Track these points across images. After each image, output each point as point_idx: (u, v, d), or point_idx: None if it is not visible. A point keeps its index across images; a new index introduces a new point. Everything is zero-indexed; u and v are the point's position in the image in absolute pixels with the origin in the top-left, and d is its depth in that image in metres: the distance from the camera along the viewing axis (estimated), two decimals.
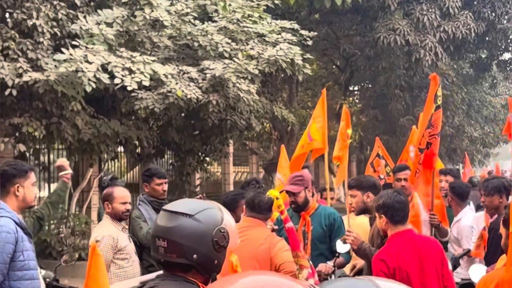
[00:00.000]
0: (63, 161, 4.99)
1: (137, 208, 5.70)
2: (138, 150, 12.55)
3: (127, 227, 5.24)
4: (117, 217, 5.04)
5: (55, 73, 8.46)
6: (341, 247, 4.69)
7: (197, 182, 17.08)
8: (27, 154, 10.91)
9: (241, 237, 4.17)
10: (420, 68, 16.88)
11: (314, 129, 6.59)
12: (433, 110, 5.69)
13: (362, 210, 4.85)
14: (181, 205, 2.28)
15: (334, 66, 24.01)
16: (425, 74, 20.29)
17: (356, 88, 27.74)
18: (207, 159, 14.59)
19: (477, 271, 4.32)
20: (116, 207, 5.03)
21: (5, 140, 8.77)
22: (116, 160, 12.70)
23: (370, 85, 24.85)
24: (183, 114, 11.58)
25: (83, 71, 8.43)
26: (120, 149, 12.69)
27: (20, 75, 8.48)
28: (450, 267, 5.33)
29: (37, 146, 9.81)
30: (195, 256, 2.18)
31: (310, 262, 4.18)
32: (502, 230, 3.52)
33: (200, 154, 13.66)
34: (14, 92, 8.46)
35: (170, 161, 15.37)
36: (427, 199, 5.85)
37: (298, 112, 19.72)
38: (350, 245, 4.61)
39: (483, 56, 22.01)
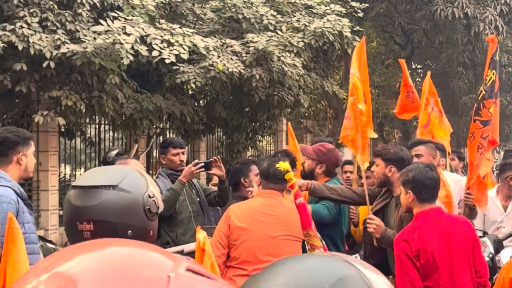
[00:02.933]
0: None
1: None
2: (185, 126, 12.39)
3: None
4: None
5: (93, 45, 8.30)
6: None
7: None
8: (73, 129, 10.88)
9: (266, 215, 3.90)
10: (480, 43, 16.08)
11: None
12: (491, 75, 5.15)
13: (383, 183, 4.46)
14: (96, 176, 1.93)
15: (394, 43, 23.29)
16: (486, 50, 19.43)
17: (418, 66, 26.91)
18: (257, 136, 14.32)
19: (508, 255, 3.90)
20: None
21: (44, 113, 8.69)
22: (162, 136, 12.57)
23: (432, 64, 24.03)
24: (230, 89, 11.35)
25: (120, 43, 8.25)
26: (167, 125, 12.58)
27: (58, 47, 8.37)
28: (491, 250, 4.91)
29: (79, 120, 9.71)
30: (129, 232, 1.86)
31: (323, 242, 3.86)
32: None
33: (248, 131, 13.40)
34: (52, 64, 8.36)
35: (220, 139, 15.19)
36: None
37: None
38: (372, 233, 4.26)
39: None
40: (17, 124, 10.18)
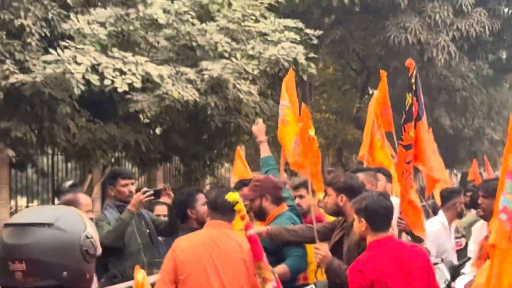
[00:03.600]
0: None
1: (102, 213, 5.34)
2: (141, 155, 12.20)
3: None
4: None
5: (42, 75, 8.13)
6: None
7: (207, 188, 16.70)
8: (24, 161, 10.60)
9: (212, 248, 3.76)
10: (433, 68, 16.31)
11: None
12: (408, 98, 5.10)
13: (335, 213, 4.39)
14: (32, 214, 1.82)
15: (350, 69, 23.52)
16: (443, 76, 19.72)
17: (375, 91, 27.19)
18: (215, 163, 14.19)
19: (463, 282, 3.85)
20: None
21: None
22: (117, 166, 12.36)
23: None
24: (186, 118, 11.24)
25: (71, 72, 8.09)
26: (122, 154, 12.38)
27: (6, 77, 8.17)
28: (447, 276, 4.86)
29: (30, 151, 9.45)
30: (64, 273, 1.75)
31: (275, 274, 3.74)
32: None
33: (206, 158, 13.26)
34: (1, 95, 8.16)
35: (178, 167, 15.03)
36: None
37: (312, 115, 19.27)
38: (318, 264, 4.17)
39: (503, 56, 21.35)
40: None
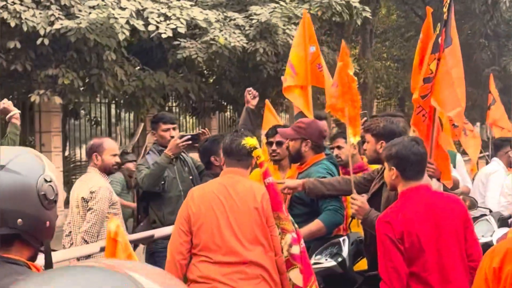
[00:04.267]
0: (4, 102, 4.44)
1: (143, 158, 5.26)
2: (194, 104, 12.08)
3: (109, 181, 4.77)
4: (106, 170, 4.57)
5: (87, 20, 8.02)
6: None
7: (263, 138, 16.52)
8: (76, 108, 10.63)
9: (225, 197, 3.56)
10: (497, 12, 15.43)
11: (296, 57, 5.72)
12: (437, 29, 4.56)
13: (375, 160, 4.09)
14: None
15: (415, 15, 22.65)
16: (506, 20, 18.75)
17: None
18: None
19: (498, 235, 3.54)
20: (106, 159, 4.55)
21: (40, 92, 8.44)
22: None
23: None
24: (236, 65, 11.01)
25: (115, 17, 7.96)
26: (175, 103, 12.31)
27: (52, 23, 8.10)
28: (495, 228, 4.56)
29: (79, 99, 9.44)
30: (19, 220, 1.57)
31: (295, 225, 3.50)
32: None
33: (259, 107, 13.04)
34: (46, 41, 8.11)
35: (232, 116, 14.90)
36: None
37: (371, 64, 18.74)
38: (355, 215, 3.91)
39: None
40: (18, 104, 9.98)
